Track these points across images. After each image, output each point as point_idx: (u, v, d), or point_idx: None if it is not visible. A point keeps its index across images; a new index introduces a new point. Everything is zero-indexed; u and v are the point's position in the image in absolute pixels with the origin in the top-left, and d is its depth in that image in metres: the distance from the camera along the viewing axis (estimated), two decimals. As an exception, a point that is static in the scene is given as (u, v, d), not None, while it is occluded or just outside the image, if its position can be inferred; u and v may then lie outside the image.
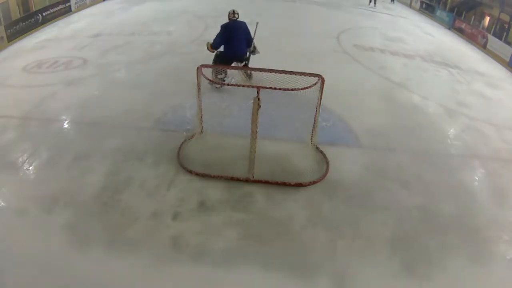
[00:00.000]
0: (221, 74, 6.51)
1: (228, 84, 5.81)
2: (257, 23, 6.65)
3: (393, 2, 18.74)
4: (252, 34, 6.61)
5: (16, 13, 10.47)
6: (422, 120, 6.42)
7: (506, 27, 12.39)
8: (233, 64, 6.50)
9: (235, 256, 3.53)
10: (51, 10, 11.71)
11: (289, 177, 4.53)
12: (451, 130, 6.28)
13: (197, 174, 4.53)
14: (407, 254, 3.68)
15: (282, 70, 4.74)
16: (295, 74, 4.54)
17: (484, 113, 6.94)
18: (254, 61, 6.71)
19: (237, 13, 6.48)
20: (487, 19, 14.11)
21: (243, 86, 5.46)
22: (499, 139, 6.09)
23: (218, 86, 6.49)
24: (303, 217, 4.04)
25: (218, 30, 6.47)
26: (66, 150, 4.94)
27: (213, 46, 6.42)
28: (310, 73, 4.54)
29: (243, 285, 3.31)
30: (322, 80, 4.51)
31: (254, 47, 6.67)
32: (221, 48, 6.52)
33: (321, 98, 4.68)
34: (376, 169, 4.92)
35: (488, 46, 12.02)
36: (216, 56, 6.57)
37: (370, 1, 16.70)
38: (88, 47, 9.13)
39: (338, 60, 9.07)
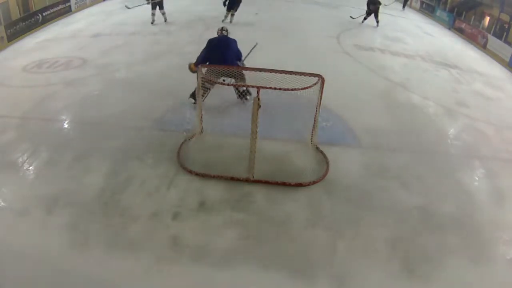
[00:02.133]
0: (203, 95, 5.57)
1: (228, 84, 5.82)
2: (256, 44, 6.36)
3: (403, 10, 17.82)
4: (245, 52, 6.13)
5: (16, 13, 10.46)
6: (422, 120, 6.42)
7: (506, 27, 12.37)
8: (222, 80, 5.50)
9: (235, 256, 3.53)
10: (51, 10, 11.71)
11: (289, 177, 4.52)
12: (451, 130, 6.28)
13: (197, 174, 4.53)
14: (407, 254, 3.68)
15: (282, 70, 4.74)
16: (295, 74, 4.54)
17: (484, 113, 6.94)
18: (254, 62, 6.70)
19: (226, 30, 6.12)
20: (487, 19, 14.10)
21: (243, 86, 5.47)
22: (499, 139, 6.09)
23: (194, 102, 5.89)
24: (303, 217, 4.04)
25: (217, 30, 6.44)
26: (66, 150, 4.94)
27: (196, 62, 5.72)
28: (310, 73, 4.54)
29: (243, 285, 3.31)
30: (322, 80, 4.51)
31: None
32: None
33: (321, 98, 4.68)
34: (376, 169, 4.92)
35: (488, 46, 12.02)
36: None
37: (378, 23, 12.98)
38: (88, 47, 9.14)
39: (338, 60, 9.08)
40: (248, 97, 6.14)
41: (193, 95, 5.98)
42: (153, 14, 11.09)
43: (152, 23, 11.07)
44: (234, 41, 5.97)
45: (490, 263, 3.69)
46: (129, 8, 11.90)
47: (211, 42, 5.90)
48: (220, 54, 5.71)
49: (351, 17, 13.62)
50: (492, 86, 8.71)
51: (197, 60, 5.81)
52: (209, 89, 5.72)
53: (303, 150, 5.02)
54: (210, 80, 5.10)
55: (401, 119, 6.33)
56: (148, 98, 6.36)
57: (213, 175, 4.49)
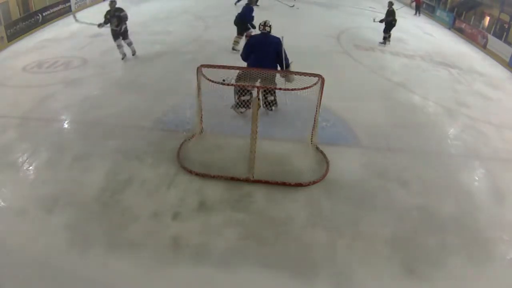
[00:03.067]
0: (245, 95, 5.55)
1: (228, 84, 5.82)
2: (282, 37, 5.46)
3: (419, 15, 16.88)
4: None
5: (16, 13, 10.46)
6: (422, 120, 6.42)
7: (506, 27, 12.37)
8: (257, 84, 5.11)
9: (235, 256, 3.53)
10: (51, 10, 11.71)
11: (289, 177, 4.52)
12: (451, 130, 6.28)
13: (197, 174, 4.53)
14: (407, 254, 3.68)
15: (282, 70, 4.75)
16: (295, 74, 4.55)
17: (484, 113, 6.94)
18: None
19: (269, 26, 5.55)
20: (487, 19, 14.10)
21: (243, 86, 5.47)
22: (499, 139, 6.09)
23: (242, 110, 5.71)
24: (303, 217, 4.04)
25: (217, 30, 6.40)
26: (66, 150, 4.94)
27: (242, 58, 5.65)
28: (310, 73, 4.55)
29: (243, 285, 3.31)
30: (322, 80, 4.51)
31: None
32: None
33: (321, 98, 4.68)
34: (376, 169, 4.92)
35: (488, 46, 12.01)
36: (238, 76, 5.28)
37: (385, 40, 10.90)
38: (88, 47, 9.14)
39: (338, 60, 9.08)
40: (273, 107, 5.85)
41: (235, 106, 5.78)
42: (119, 46, 8.08)
43: (122, 59, 8.17)
44: (277, 40, 5.38)
45: (490, 263, 3.69)
46: (77, 20, 9.50)
47: (250, 40, 5.61)
48: (256, 55, 5.38)
49: (374, 20, 11.11)
50: (492, 86, 8.71)
51: (241, 57, 5.68)
52: (251, 93, 5.44)
53: (303, 150, 5.02)
54: (210, 80, 5.09)
55: (401, 119, 6.33)
56: (148, 98, 6.36)
57: (213, 175, 4.49)
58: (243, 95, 5.55)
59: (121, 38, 8.01)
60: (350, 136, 5.62)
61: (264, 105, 5.60)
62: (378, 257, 3.63)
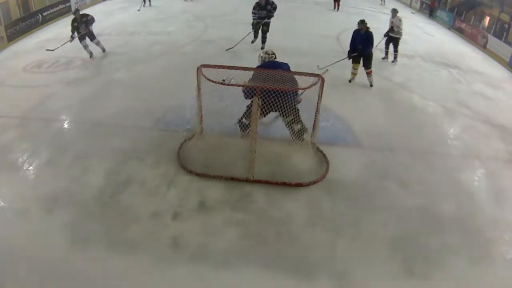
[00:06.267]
0: (246, 129, 4.96)
1: (228, 84, 5.82)
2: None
3: (432, 17, 16.43)
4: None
5: (16, 13, 10.45)
6: (422, 120, 6.42)
7: (506, 27, 12.35)
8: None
9: (235, 256, 3.53)
10: (51, 10, 11.72)
11: (289, 177, 4.52)
12: (451, 130, 6.28)
13: (197, 174, 4.53)
14: (407, 254, 3.68)
15: (282, 70, 4.73)
16: (295, 74, 4.54)
17: (484, 113, 6.94)
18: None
19: (268, 53, 5.06)
20: (487, 19, 14.07)
21: (243, 86, 5.47)
22: (499, 139, 6.09)
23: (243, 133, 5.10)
24: (303, 217, 4.05)
25: (217, 30, 6.38)
26: (66, 150, 4.94)
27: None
28: (310, 73, 4.54)
29: (243, 285, 3.31)
30: (322, 80, 4.51)
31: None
32: None
33: (321, 98, 4.68)
34: (376, 169, 4.92)
35: (488, 46, 12.00)
36: (248, 107, 4.90)
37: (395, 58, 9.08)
38: (88, 47, 9.12)
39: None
40: (304, 135, 5.01)
41: (241, 124, 5.13)
42: (86, 47, 8.36)
43: (90, 57, 8.41)
44: (284, 65, 4.95)
45: (490, 263, 3.69)
46: (52, 50, 8.40)
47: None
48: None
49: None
50: (492, 86, 8.68)
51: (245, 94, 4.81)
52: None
53: (303, 150, 5.01)
54: (210, 80, 5.08)
55: (401, 119, 6.32)
56: (148, 98, 6.37)
57: (213, 175, 4.49)
58: (245, 129, 4.97)
59: (86, 39, 8.37)
60: (350, 136, 5.62)
61: (293, 136, 4.93)
62: (378, 257, 3.63)
